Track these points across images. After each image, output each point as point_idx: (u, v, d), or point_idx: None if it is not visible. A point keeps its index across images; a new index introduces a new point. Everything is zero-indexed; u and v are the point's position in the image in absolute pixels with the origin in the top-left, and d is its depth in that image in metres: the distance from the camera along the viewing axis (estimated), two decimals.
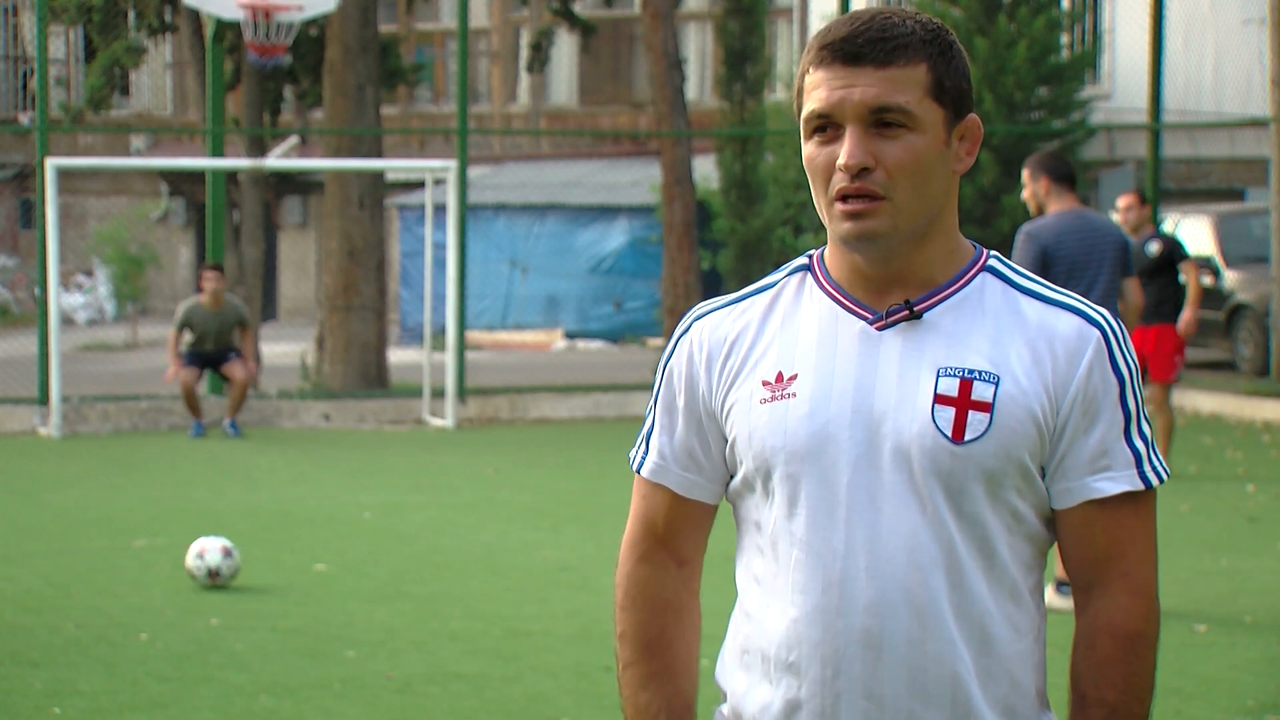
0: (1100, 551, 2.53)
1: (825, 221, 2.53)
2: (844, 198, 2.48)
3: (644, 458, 2.68)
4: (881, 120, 2.47)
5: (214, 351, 16.64)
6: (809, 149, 2.53)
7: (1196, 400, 17.93)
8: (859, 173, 2.46)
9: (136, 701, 7.05)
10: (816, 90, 2.50)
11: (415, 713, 6.95)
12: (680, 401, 2.64)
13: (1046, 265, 8.39)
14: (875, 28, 2.48)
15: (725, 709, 2.64)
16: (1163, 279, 13.26)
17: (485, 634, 8.25)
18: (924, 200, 2.50)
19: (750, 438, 2.55)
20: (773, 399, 2.54)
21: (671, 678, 2.65)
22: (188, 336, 16.64)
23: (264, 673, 7.50)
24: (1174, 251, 13.29)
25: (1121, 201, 13.66)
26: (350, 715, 6.91)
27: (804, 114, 2.52)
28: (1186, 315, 13.03)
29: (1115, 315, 8.60)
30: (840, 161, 2.47)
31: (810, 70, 2.52)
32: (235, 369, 16.60)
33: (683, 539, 2.68)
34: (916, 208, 2.49)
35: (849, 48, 2.47)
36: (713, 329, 2.62)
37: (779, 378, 2.54)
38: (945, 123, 2.51)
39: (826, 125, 2.50)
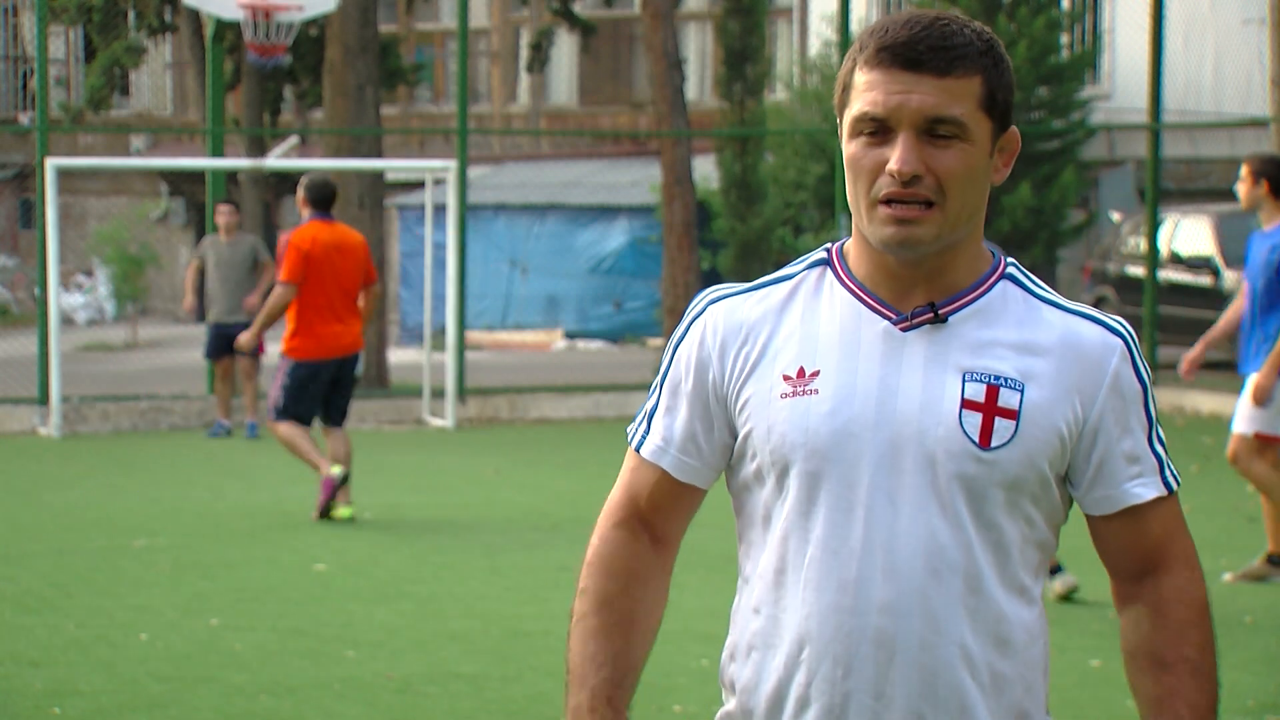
0: (1154, 544, 2.60)
1: (861, 221, 2.52)
2: (890, 202, 2.47)
3: (644, 436, 2.68)
4: (934, 130, 2.47)
5: (231, 325, 16.12)
6: (854, 148, 2.51)
7: (1196, 400, 17.93)
8: (910, 180, 2.46)
9: (136, 701, 7.05)
10: (870, 92, 2.48)
11: (415, 713, 6.95)
12: (687, 385, 2.62)
13: None
14: (936, 35, 2.47)
15: (731, 705, 2.63)
16: None
17: (485, 634, 8.25)
18: (967, 210, 2.51)
19: (769, 432, 2.54)
20: (794, 394, 2.53)
21: (624, 634, 2.65)
22: (209, 294, 16.55)
23: (264, 673, 7.50)
24: None
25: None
26: (350, 715, 6.91)
27: (854, 113, 2.50)
28: None
29: None
30: (893, 167, 2.46)
31: (863, 69, 2.50)
32: (247, 364, 16.49)
33: (665, 519, 2.68)
34: (961, 217, 2.50)
35: (910, 53, 2.46)
36: (728, 314, 2.61)
37: (800, 373, 2.54)
38: (991, 135, 2.52)
39: (878, 128, 2.49)
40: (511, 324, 30.60)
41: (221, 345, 16.43)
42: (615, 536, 2.69)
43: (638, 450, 2.68)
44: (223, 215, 16.71)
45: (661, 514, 2.68)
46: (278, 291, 11.51)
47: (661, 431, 2.65)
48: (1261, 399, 9.29)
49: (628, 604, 2.66)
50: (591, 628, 2.66)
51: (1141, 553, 2.58)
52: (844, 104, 2.53)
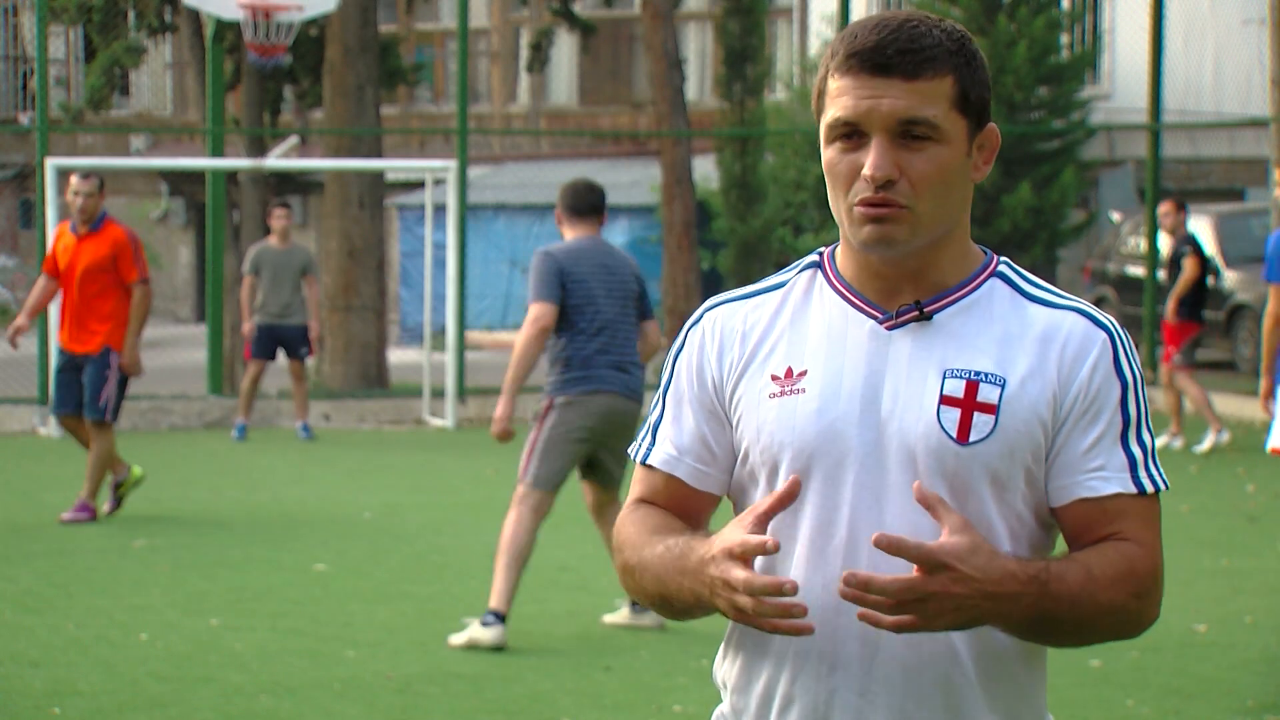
0: (1112, 530, 2.52)
1: (843, 224, 2.54)
2: (866, 204, 2.48)
3: (650, 448, 2.66)
4: (908, 132, 2.47)
5: (283, 326, 16.03)
6: (830, 154, 2.52)
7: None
8: (884, 184, 2.47)
9: (136, 701, 7.05)
10: (843, 97, 2.49)
11: (415, 713, 6.95)
12: (691, 392, 2.63)
13: (563, 285, 8.29)
14: (904, 38, 2.47)
15: (725, 705, 2.64)
16: (1171, 275, 15.00)
17: None
18: (945, 210, 2.52)
19: (759, 432, 2.55)
20: (782, 394, 2.54)
21: (681, 530, 2.59)
22: (258, 298, 16.10)
23: (264, 673, 7.50)
24: (1178, 249, 14.94)
25: (1161, 207, 15.45)
26: (350, 715, 6.91)
27: (828, 119, 2.51)
28: (1170, 303, 14.79)
29: (635, 354, 8.44)
30: (866, 172, 2.47)
31: (835, 75, 2.51)
32: (300, 369, 16.29)
33: (684, 521, 2.66)
34: (937, 217, 2.51)
35: (878, 58, 2.47)
36: (725, 320, 2.62)
37: (789, 373, 2.55)
38: (967, 133, 2.53)
39: (851, 133, 2.49)
40: (511, 324, 30.57)
41: (271, 346, 16.15)
42: (640, 509, 2.65)
43: (644, 462, 2.67)
44: (279, 219, 16.16)
45: (680, 518, 2.67)
46: (147, 291, 11.36)
47: (672, 440, 2.64)
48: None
49: (674, 523, 2.62)
50: (651, 542, 2.57)
51: (1093, 540, 2.52)
52: (820, 110, 2.55)
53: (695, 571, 2.48)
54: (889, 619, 2.37)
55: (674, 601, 2.55)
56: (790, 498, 2.45)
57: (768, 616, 2.39)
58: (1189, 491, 12.23)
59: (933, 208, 2.49)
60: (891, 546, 2.36)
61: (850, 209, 2.50)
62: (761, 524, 2.45)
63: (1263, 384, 9.36)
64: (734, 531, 2.44)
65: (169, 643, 8.03)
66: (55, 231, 11.55)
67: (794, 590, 2.38)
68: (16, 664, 7.65)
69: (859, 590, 2.36)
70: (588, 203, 8.59)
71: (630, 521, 2.64)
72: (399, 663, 7.70)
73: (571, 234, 8.53)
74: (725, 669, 2.63)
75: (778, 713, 2.55)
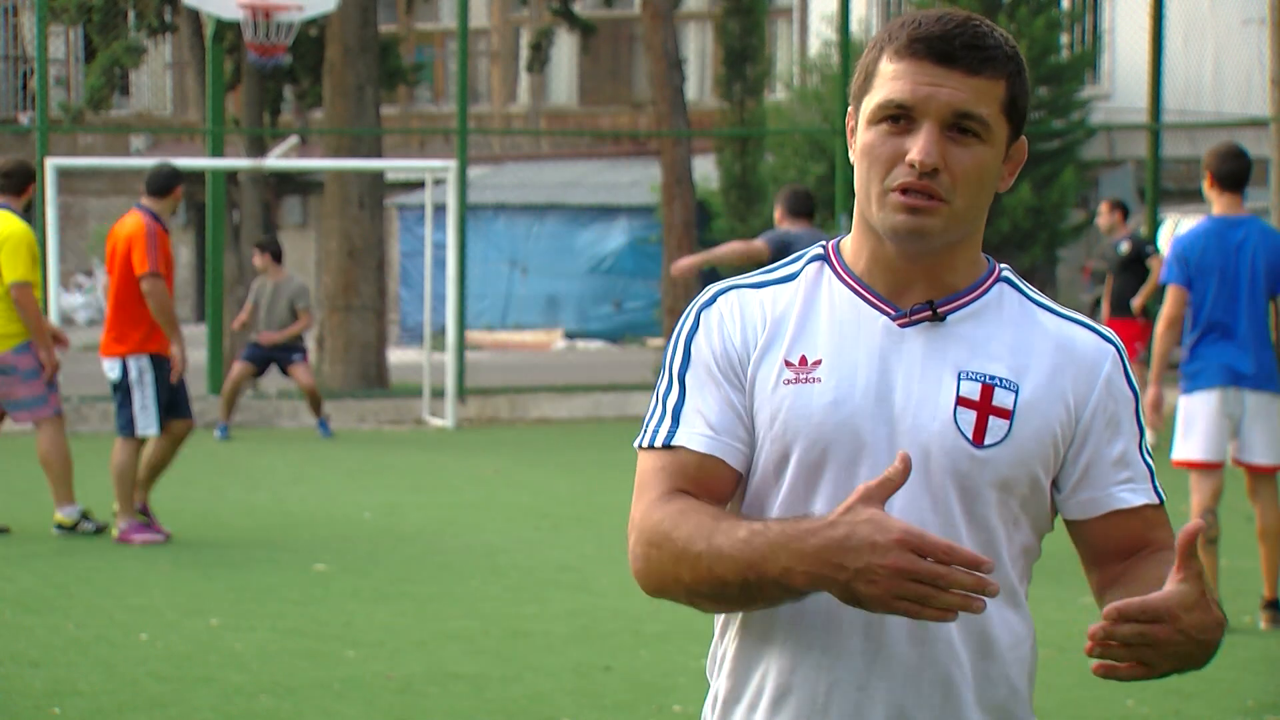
0: (1143, 541, 2.57)
1: (870, 208, 2.52)
2: (904, 191, 2.48)
3: (673, 430, 2.54)
4: (959, 126, 2.48)
5: (274, 348, 16.40)
6: (872, 135, 2.51)
7: None
8: (929, 172, 2.47)
9: (136, 701, 7.05)
10: (899, 81, 2.49)
11: (415, 713, 6.95)
12: (717, 369, 2.55)
13: None
14: (969, 33, 2.49)
15: (718, 689, 2.62)
16: (1129, 275, 15.53)
17: (485, 634, 8.25)
18: (976, 211, 2.53)
19: (773, 419, 2.52)
20: (796, 380, 2.52)
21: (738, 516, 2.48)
22: (257, 324, 16.62)
23: (264, 673, 7.50)
24: (1142, 249, 15.53)
25: (1100, 209, 16.15)
26: (350, 715, 6.91)
27: (878, 100, 2.50)
28: (1137, 300, 15.28)
29: None
30: (914, 157, 2.46)
31: (892, 58, 2.51)
32: (300, 373, 16.47)
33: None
34: (968, 217, 2.52)
35: (944, 47, 2.48)
36: (742, 301, 2.59)
37: (802, 360, 2.53)
38: (1007, 140, 2.54)
39: (901, 117, 2.49)
40: (511, 324, 30.61)
41: (264, 361, 16.52)
42: (677, 499, 2.50)
43: (669, 444, 2.53)
44: (255, 258, 17.01)
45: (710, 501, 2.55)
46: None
47: (705, 420, 2.53)
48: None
49: (728, 513, 2.49)
50: (724, 528, 2.42)
51: (1128, 549, 2.57)
52: (864, 91, 2.54)
53: (820, 556, 2.33)
54: (1124, 666, 2.35)
55: (760, 588, 2.39)
56: (902, 480, 2.35)
57: (962, 586, 2.28)
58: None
59: (966, 206, 2.50)
60: (1121, 614, 2.32)
61: (885, 193, 2.49)
62: (881, 500, 2.36)
63: (1151, 391, 8.83)
64: (877, 513, 2.31)
65: (169, 643, 8.03)
66: (165, 230, 11.03)
67: (991, 570, 2.33)
68: (16, 664, 7.65)
69: (1114, 621, 2.33)
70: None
71: (678, 511, 2.47)
72: (399, 663, 7.69)
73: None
74: (721, 655, 2.61)
75: (773, 701, 2.54)
